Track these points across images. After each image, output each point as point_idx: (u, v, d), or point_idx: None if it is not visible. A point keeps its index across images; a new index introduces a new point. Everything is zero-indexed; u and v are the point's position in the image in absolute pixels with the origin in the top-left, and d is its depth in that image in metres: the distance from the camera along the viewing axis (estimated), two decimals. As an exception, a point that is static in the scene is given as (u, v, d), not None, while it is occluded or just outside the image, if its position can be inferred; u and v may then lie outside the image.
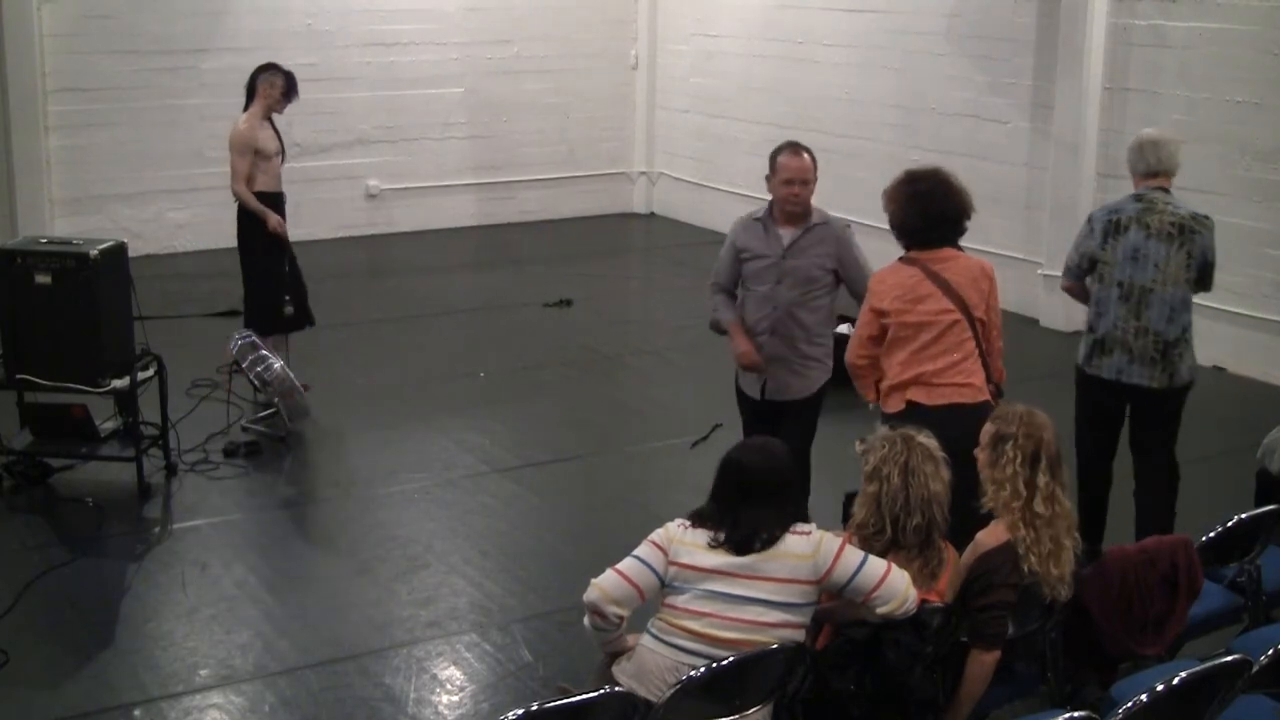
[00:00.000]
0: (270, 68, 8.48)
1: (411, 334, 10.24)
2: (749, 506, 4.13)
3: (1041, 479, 4.35)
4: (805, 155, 5.94)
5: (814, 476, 5.93)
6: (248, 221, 8.47)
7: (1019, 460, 4.37)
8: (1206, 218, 6.17)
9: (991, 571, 4.25)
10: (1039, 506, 4.32)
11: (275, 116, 8.56)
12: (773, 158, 5.99)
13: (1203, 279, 6.20)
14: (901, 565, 4.23)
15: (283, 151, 8.64)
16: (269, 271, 8.53)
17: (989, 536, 4.36)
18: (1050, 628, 4.52)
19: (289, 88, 8.45)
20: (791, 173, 5.89)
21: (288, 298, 8.56)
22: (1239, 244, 9.14)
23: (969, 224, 5.50)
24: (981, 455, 4.51)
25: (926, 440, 4.45)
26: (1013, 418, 4.47)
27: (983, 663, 4.24)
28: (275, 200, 8.55)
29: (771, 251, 5.96)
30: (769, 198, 6.02)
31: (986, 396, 5.32)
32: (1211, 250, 6.14)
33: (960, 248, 5.52)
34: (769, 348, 5.99)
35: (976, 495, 4.47)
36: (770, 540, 4.09)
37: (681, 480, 7.19)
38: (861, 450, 4.54)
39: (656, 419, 8.64)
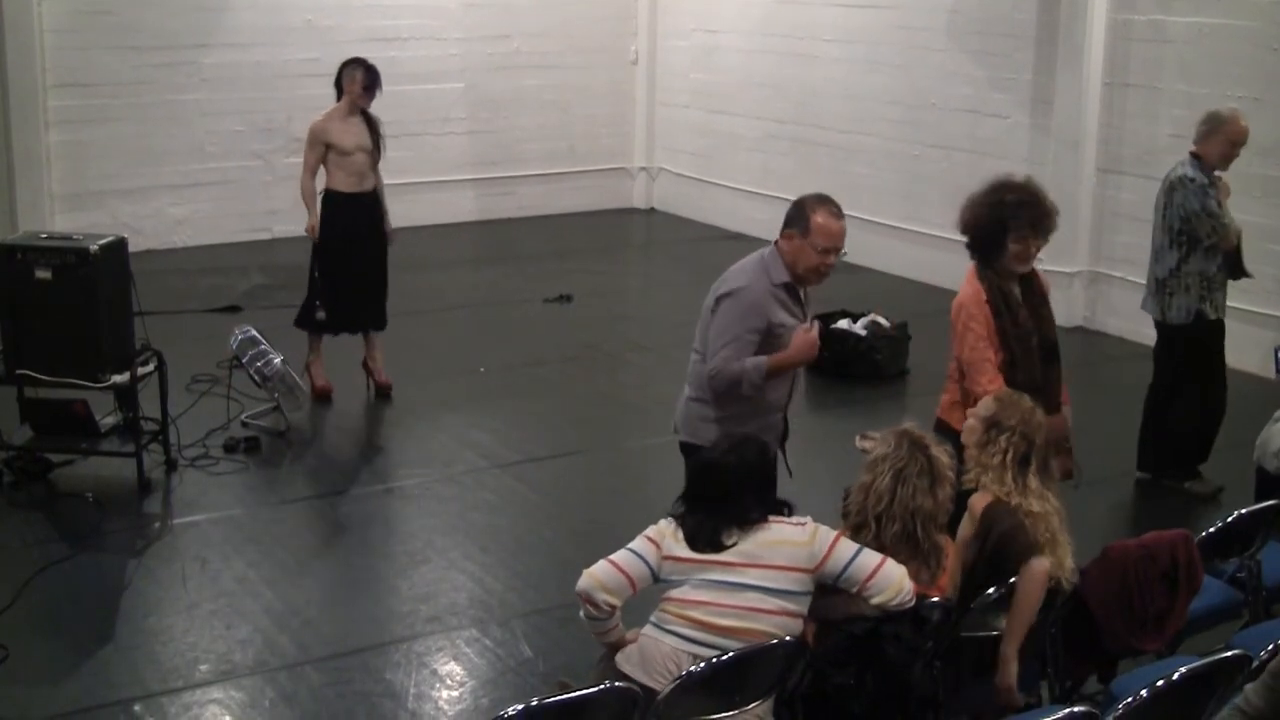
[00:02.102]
0: (352, 62, 8.35)
1: (411, 329, 10.21)
2: (708, 505, 4.28)
3: (1033, 481, 4.41)
4: (843, 219, 4.99)
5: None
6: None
7: (1009, 455, 4.41)
8: (1191, 180, 6.94)
9: (994, 520, 4.33)
10: (1033, 504, 4.38)
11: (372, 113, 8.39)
12: (805, 214, 4.94)
13: (1187, 232, 6.93)
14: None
15: (375, 149, 8.35)
16: (311, 269, 8.48)
17: (980, 499, 4.43)
18: (1051, 623, 4.52)
19: (370, 81, 8.28)
20: (833, 240, 4.92)
21: (318, 301, 8.45)
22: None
23: (977, 247, 5.31)
24: (974, 429, 4.53)
25: (937, 453, 4.43)
26: (1014, 410, 4.47)
27: (1033, 572, 4.24)
28: (349, 201, 8.33)
29: (800, 319, 5.08)
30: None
31: (943, 416, 5.28)
32: (1185, 207, 6.93)
33: (991, 271, 5.28)
34: (781, 426, 5.23)
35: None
36: (717, 539, 4.17)
37: (681, 477, 7.16)
38: (862, 446, 4.55)
39: (657, 415, 8.56)
